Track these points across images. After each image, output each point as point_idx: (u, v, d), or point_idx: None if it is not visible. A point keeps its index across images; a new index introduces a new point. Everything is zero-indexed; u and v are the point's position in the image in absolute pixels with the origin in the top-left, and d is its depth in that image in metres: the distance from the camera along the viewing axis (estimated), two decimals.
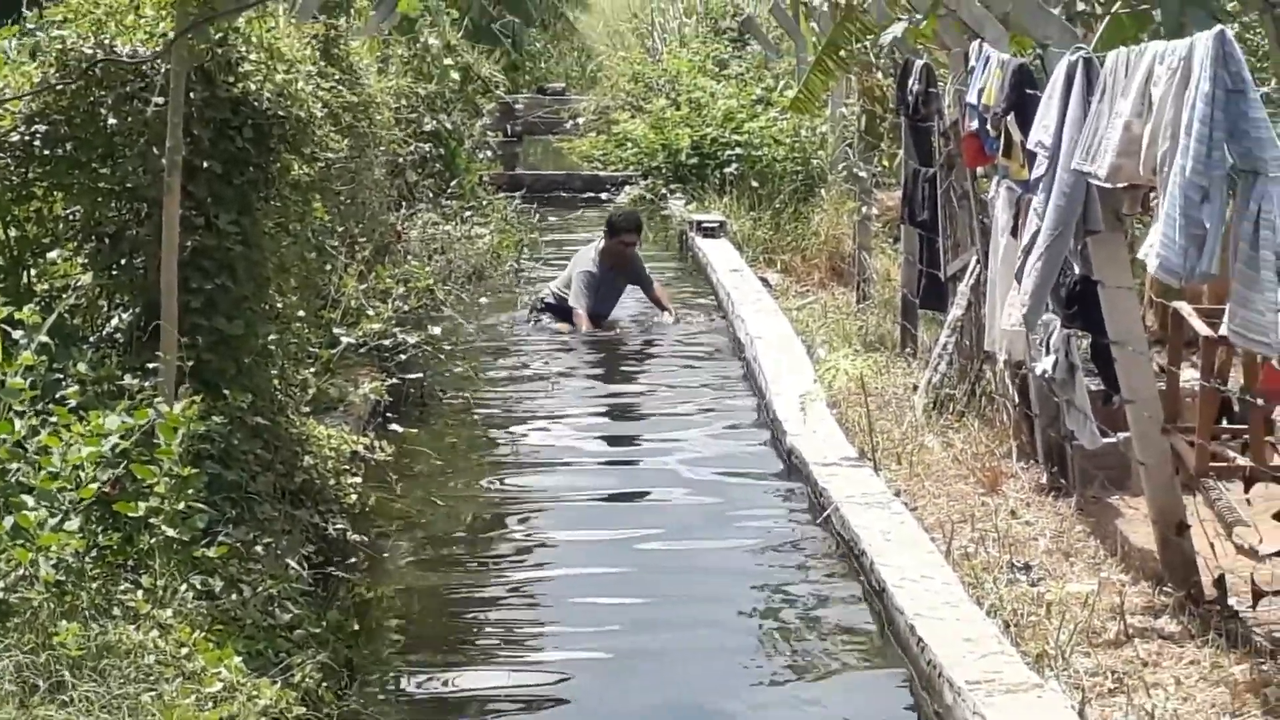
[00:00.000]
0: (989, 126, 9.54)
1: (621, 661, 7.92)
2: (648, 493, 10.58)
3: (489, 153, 23.64)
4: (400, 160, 16.23)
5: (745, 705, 7.45)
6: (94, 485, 6.48)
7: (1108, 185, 7.46)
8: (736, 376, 13.68)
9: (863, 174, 15.47)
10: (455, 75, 20.35)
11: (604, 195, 25.49)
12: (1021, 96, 9.01)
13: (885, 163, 16.03)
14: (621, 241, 15.89)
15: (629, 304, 16.28)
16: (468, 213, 18.39)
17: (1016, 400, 9.91)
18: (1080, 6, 10.06)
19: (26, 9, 9.97)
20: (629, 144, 26.49)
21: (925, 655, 7.14)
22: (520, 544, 9.60)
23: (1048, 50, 8.75)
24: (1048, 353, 8.87)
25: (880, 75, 15.83)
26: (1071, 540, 8.54)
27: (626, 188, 24.71)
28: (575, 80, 41.69)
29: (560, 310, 15.62)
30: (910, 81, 12.24)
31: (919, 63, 12.19)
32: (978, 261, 10.67)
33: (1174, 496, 7.88)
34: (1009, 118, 9.15)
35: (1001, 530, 8.64)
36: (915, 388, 11.34)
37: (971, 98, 9.83)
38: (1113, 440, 8.91)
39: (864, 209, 15.39)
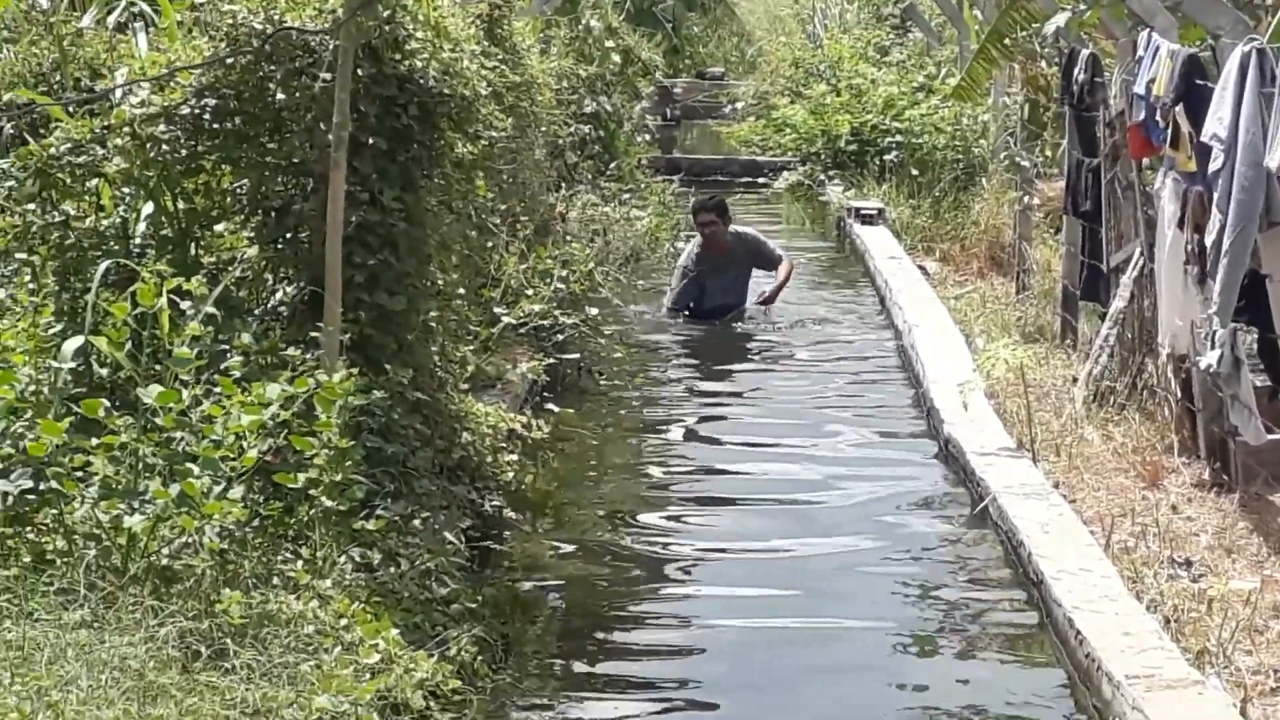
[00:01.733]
0: (1157, 117, 9.42)
1: (769, 657, 7.87)
2: (802, 480, 10.49)
3: (647, 136, 23.69)
4: (560, 141, 16.24)
5: (905, 689, 7.44)
6: (253, 454, 6.55)
7: None
8: (893, 363, 13.61)
9: (1025, 163, 15.32)
10: (616, 58, 20.38)
11: (761, 180, 25.43)
12: (1191, 87, 8.89)
13: (1048, 152, 15.85)
14: (700, 224, 15.60)
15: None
16: (626, 195, 18.41)
17: (1179, 394, 9.76)
18: None
19: None
20: (788, 129, 26.42)
21: (1084, 648, 7.07)
22: (671, 527, 9.58)
23: (1219, 41, 8.63)
24: (1213, 347, 8.73)
25: (1045, 64, 15.64)
26: (1234, 537, 8.41)
27: (784, 173, 24.63)
28: (734, 65, 41.66)
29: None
30: (1075, 70, 12.10)
31: (1085, 52, 12.05)
32: (1141, 253, 10.53)
33: None
34: (1178, 109, 9.03)
35: (1162, 525, 8.53)
36: (1075, 379, 11.22)
37: (1139, 88, 9.71)
38: (1277, 436, 8.77)
39: (1025, 198, 15.23)
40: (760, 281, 15.78)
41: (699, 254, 15.45)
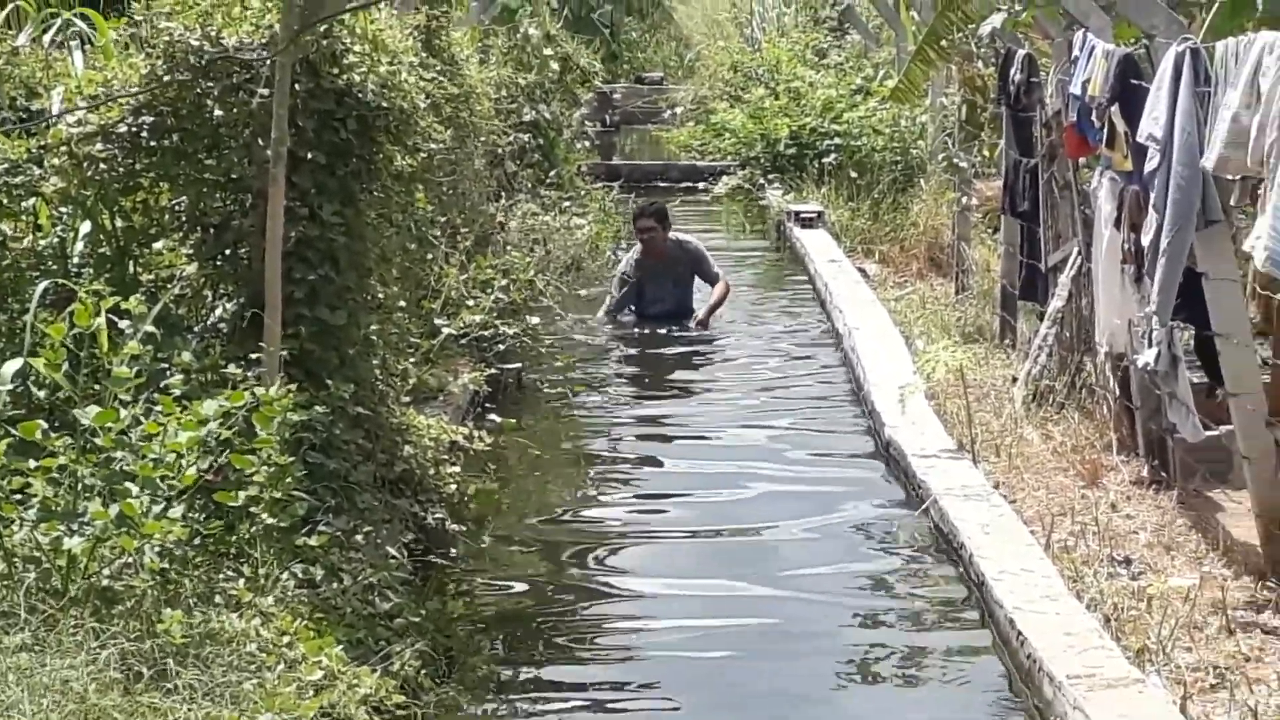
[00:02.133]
0: (1093, 117, 9.48)
1: (715, 656, 7.91)
2: (742, 483, 10.52)
3: (587, 142, 23.69)
4: (500, 150, 16.24)
5: (846, 698, 7.46)
6: (193, 472, 6.54)
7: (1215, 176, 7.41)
8: (833, 366, 13.66)
9: (963, 164, 15.39)
10: (554, 65, 20.39)
11: (701, 185, 25.50)
12: (1126, 87, 8.95)
13: (986, 153, 15.92)
14: (639, 230, 15.61)
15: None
16: (566, 203, 18.42)
17: (1117, 393, 9.83)
18: None
19: (134, 0, 10.05)
20: (727, 134, 26.49)
21: (1025, 649, 7.11)
22: (615, 534, 9.61)
23: (1153, 41, 8.68)
24: (1150, 345, 8.79)
25: (981, 65, 15.72)
26: (1173, 534, 8.48)
27: (724, 178, 24.68)
28: (673, 69, 41.72)
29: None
30: (1012, 71, 12.17)
31: (1021, 52, 12.12)
32: (1079, 253, 10.60)
33: (1278, 490, 7.81)
34: (1114, 108, 9.09)
35: (1102, 524, 8.58)
36: (1014, 379, 11.28)
37: (1075, 88, 9.77)
38: (1215, 433, 8.83)
39: (964, 199, 15.30)
40: (703, 291, 15.77)
41: (638, 260, 15.46)
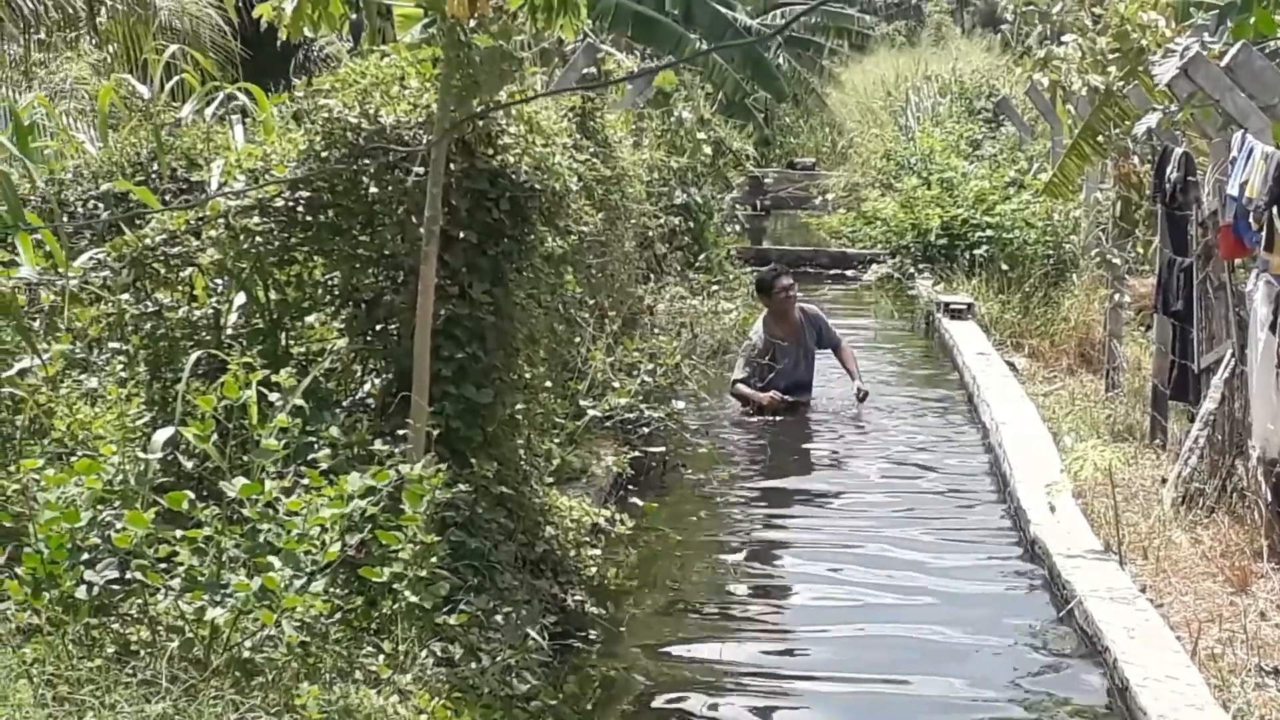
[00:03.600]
0: (1250, 219, 9.37)
1: None
2: (884, 579, 10.43)
3: (737, 227, 23.71)
4: (650, 233, 16.28)
5: None
6: (336, 548, 6.58)
7: None
8: (980, 460, 13.54)
9: (1116, 260, 15.25)
10: (707, 149, 20.42)
11: (850, 272, 25.47)
12: None
13: (1140, 250, 15.78)
14: (780, 292, 15.53)
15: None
16: (714, 286, 18.42)
17: (1269, 498, 9.67)
18: None
19: (295, 76, 10.21)
20: (878, 221, 26.43)
21: None
22: (756, 622, 9.58)
23: None
24: None
25: (1137, 161, 15.59)
26: None
27: (874, 266, 24.60)
28: (825, 156, 41.74)
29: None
30: (1168, 169, 12.07)
31: (1178, 150, 12.01)
32: (1233, 355, 10.46)
33: None
34: (1272, 211, 8.98)
35: (1250, 632, 8.43)
36: (1164, 480, 11.13)
37: (1232, 189, 9.67)
38: None
39: (1116, 295, 15.17)
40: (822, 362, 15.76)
41: (768, 330, 15.44)
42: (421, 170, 7.98)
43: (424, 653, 6.85)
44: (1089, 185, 17.49)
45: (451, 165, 8.05)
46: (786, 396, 15.08)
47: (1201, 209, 11.29)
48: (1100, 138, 14.97)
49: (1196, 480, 10.75)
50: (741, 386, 15.25)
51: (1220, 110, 10.14)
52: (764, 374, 15.27)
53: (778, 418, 14.92)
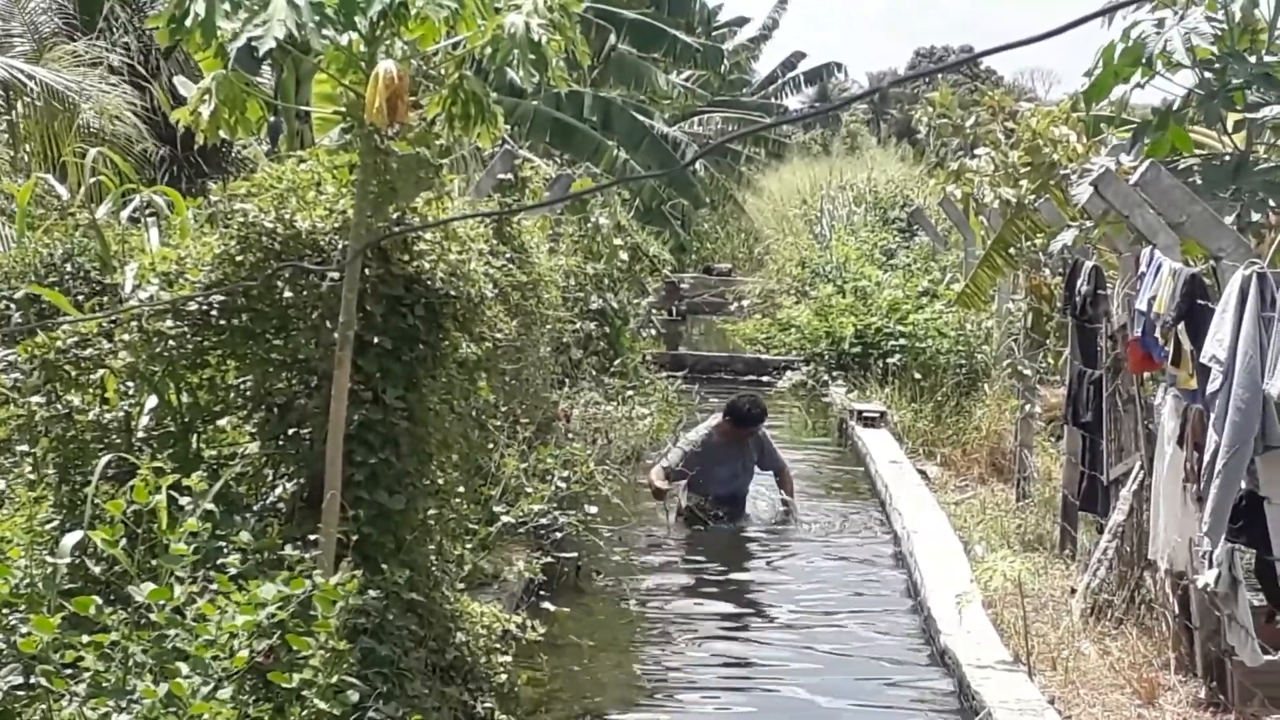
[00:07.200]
0: (1158, 334, 9.48)
1: None
2: (797, 686, 10.44)
3: (653, 331, 23.78)
4: (565, 338, 16.31)
5: None
6: (245, 654, 6.53)
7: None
8: (891, 570, 13.57)
9: (1027, 371, 15.41)
10: (624, 255, 20.51)
11: (765, 379, 25.57)
12: (1193, 306, 8.97)
13: (1050, 360, 15.95)
14: (741, 426, 15.60)
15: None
16: (629, 392, 18.44)
17: (1177, 611, 9.74)
18: (1255, 217, 10.00)
19: (211, 180, 10.21)
20: (793, 329, 26.62)
21: None
22: None
23: (1220, 262, 8.70)
24: (1210, 565, 8.73)
25: (1048, 273, 15.78)
26: None
27: (788, 373, 24.75)
28: (742, 261, 42.04)
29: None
30: (1079, 282, 12.21)
31: (1088, 264, 12.16)
32: (1142, 467, 10.55)
33: None
34: (1179, 327, 9.09)
35: None
36: (1073, 591, 11.20)
37: (1141, 304, 9.78)
38: (1275, 658, 8.73)
39: (1027, 406, 15.31)
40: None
41: (714, 440, 15.49)
42: (336, 275, 7.98)
43: None
44: (1001, 296, 17.66)
45: (367, 270, 8.05)
46: (716, 511, 15.12)
47: (1111, 322, 11.42)
48: (1012, 249, 15.18)
49: (1105, 591, 10.82)
50: (661, 470, 15.29)
51: (1130, 226, 10.28)
52: (697, 472, 15.28)
53: (698, 528, 14.92)
